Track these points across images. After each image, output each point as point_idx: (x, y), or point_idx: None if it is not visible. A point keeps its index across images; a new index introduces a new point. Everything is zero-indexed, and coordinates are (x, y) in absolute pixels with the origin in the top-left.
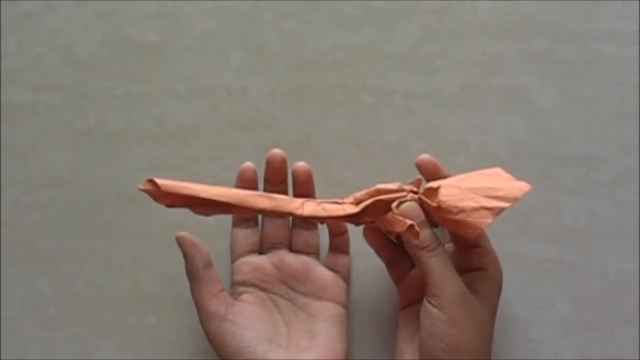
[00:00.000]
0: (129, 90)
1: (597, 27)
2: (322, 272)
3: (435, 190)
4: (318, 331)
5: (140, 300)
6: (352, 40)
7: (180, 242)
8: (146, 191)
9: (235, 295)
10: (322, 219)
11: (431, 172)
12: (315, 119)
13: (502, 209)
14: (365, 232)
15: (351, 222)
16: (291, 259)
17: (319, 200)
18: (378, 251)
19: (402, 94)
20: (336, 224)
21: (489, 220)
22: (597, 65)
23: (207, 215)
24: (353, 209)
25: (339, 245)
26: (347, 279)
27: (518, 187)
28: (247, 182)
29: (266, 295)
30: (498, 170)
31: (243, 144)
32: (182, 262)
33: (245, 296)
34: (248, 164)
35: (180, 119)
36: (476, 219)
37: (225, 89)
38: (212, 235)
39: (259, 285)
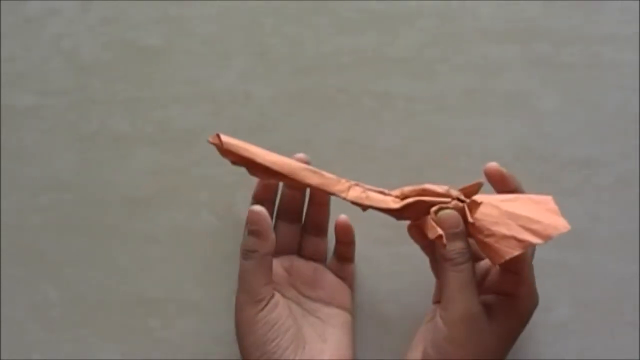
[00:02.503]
0: (133, 94)
1: (598, 31)
2: (331, 279)
3: (477, 205)
4: (329, 336)
5: (143, 304)
6: (354, 45)
7: (256, 219)
8: (214, 144)
9: None
10: (364, 207)
11: (499, 183)
12: (317, 123)
13: (531, 244)
14: (409, 228)
15: (391, 215)
16: (302, 264)
17: (366, 187)
18: (422, 247)
19: (404, 98)
20: (347, 233)
21: (515, 253)
22: (598, 69)
23: (261, 179)
24: (395, 204)
25: (345, 253)
26: (352, 286)
27: (555, 225)
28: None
29: (280, 297)
30: (548, 199)
31: None
32: (186, 264)
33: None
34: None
35: (183, 123)
36: (503, 247)
37: (228, 93)
38: (213, 237)
39: (274, 287)
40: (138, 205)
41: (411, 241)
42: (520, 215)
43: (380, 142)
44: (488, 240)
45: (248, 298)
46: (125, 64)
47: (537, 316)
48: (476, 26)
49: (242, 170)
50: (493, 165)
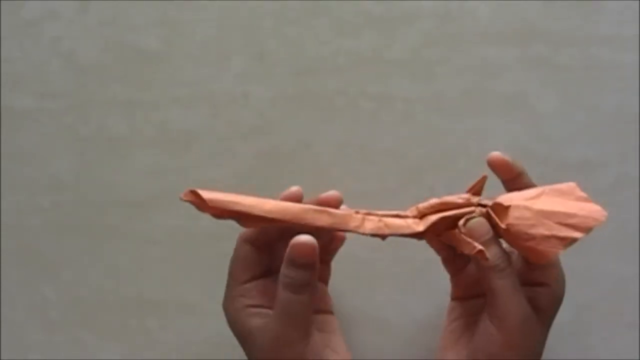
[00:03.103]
0: (131, 96)
1: (596, 33)
2: (320, 286)
3: (505, 209)
4: (336, 346)
5: (142, 304)
6: (352, 47)
7: (308, 252)
8: (189, 202)
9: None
10: (384, 236)
11: (505, 172)
12: (316, 124)
13: (574, 240)
14: (428, 239)
15: (413, 238)
16: None
17: (379, 214)
18: (437, 251)
19: (402, 100)
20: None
21: (560, 251)
22: (597, 71)
23: (258, 227)
24: (418, 226)
25: (325, 257)
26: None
27: (593, 215)
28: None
29: None
30: (573, 186)
31: (244, 149)
32: (184, 266)
33: None
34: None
35: (182, 125)
36: (547, 248)
37: (226, 95)
38: (211, 238)
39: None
40: (137, 207)
41: (409, 244)
42: (554, 212)
43: (378, 144)
44: (529, 244)
45: (299, 334)
46: (123, 66)
47: None
48: (475, 28)
49: (241, 171)
50: (496, 154)
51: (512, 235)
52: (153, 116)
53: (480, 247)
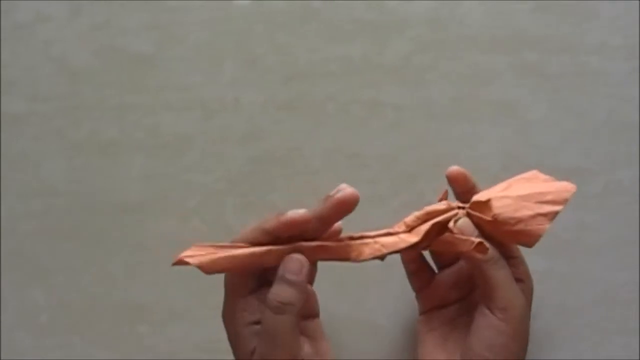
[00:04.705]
0: (123, 100)
1: (586, 41)
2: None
3: (485, 203)
4: (323, 352)
5: (132, 310)
6: (343, 53)
7: (299, 269)
8: (185, 264)
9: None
10: (383, 257)
11: (462, 184)
12: (307, 130)
13: (556, 213)
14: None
15: (411, 249)
16: None
17: (372, 235)
18: (406, 263)
19: (393, 107)
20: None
21: (546, 226)
22: (586, 79)
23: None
24: (412, 238)
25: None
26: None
27: (565, 189)
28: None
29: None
30: (535, 172)
31: (235, 154)
32: (174, 271)
33: None
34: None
35: (173, 130)
36: (534, 226)
37: (218, 100)
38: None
39: None
40: (128, 212)
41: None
42: (530, 194)
43: (369, 150)
44: (518, 227)
45: (288, 355)
46: (115, 71)
47: None
48: (465, 35)
49: (233, 176)
50: (455, 168)
51: (499, 224)
52: (145, 121)
53: (478, 239)
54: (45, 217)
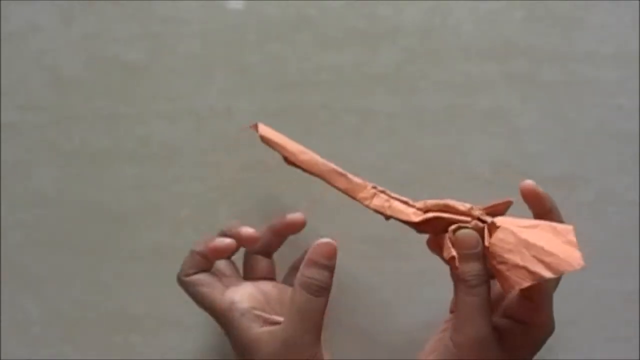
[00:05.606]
0: (114, 110)
1: (576, 49)
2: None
3: (495, 228)
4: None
5: (125, 320)
6: (335, 62)
7: (333, 253)
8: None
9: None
10: (386, 216)
11: (533, 203)
12: (299, 139)
13: (542, 278)
14: (428, 242)
15: (411, 227)
16: (269, 286)
17: (392, 195)
18: (442, 258)
19: (384, 115)
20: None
21: (525, 284)
22: (577, 87)
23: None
24: (415, 217)
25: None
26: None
27: (570, 260)
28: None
29: None
30: (569, 229)
31: (227, 164)
32: (167, 281)
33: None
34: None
35: (165, 139)
36: (514, 276)
37: (209, 110)
38: None
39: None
40: (119, 222)
41: (393, 256)
42: (536, 245)
43: (361, 159)
44: (500, 267)
45: (314, 338)
46: (107, 80)
47: None
48: (456, 44)
49: (225, 185)
50: (528, 183)
51: (490, 255)
52: (136, 130)
53: (454, 254)
54: (36, 226)
